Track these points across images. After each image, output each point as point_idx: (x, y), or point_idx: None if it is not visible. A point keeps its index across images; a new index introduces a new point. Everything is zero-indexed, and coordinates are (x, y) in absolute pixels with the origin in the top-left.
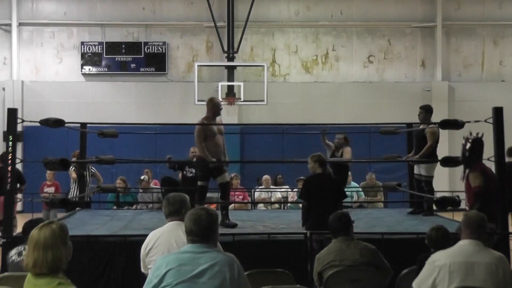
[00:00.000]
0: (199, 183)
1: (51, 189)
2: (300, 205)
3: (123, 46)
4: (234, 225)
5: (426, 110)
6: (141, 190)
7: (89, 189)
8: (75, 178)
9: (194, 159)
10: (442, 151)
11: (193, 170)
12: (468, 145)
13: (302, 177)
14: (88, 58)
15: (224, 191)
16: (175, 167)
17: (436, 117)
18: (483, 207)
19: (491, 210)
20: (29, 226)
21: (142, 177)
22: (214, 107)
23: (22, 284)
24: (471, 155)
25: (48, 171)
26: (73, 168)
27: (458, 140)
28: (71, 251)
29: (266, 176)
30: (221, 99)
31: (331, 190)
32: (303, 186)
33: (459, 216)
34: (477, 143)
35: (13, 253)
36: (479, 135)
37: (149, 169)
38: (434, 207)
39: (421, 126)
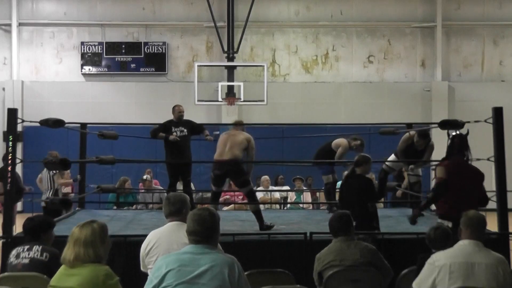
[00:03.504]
0: (247, 188)
1: (68, 189)
2: (301, 205)
3: (123, 46)
4: (271, 226)
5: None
6: (142, 190)
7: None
8: (42, 187)
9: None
10: (441, 152)
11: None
12: (449, 142)
13: (298, 176)
14: (88, 58)
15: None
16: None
17: (436, 117)
18: (440, 201)
19: (449, 206)
20: (28, 224)
21: (144, 177)
22: None
23: (21, 284)
24: (450, 151)
25: (65, 171)
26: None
27: None
28: (109, 249)
29: (265, 177)
30: (221, 99)
31: (357, 190)
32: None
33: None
34: (456, 139)
35: (12, 254)
36: (460, 132)
37: (150, 169)
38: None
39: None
